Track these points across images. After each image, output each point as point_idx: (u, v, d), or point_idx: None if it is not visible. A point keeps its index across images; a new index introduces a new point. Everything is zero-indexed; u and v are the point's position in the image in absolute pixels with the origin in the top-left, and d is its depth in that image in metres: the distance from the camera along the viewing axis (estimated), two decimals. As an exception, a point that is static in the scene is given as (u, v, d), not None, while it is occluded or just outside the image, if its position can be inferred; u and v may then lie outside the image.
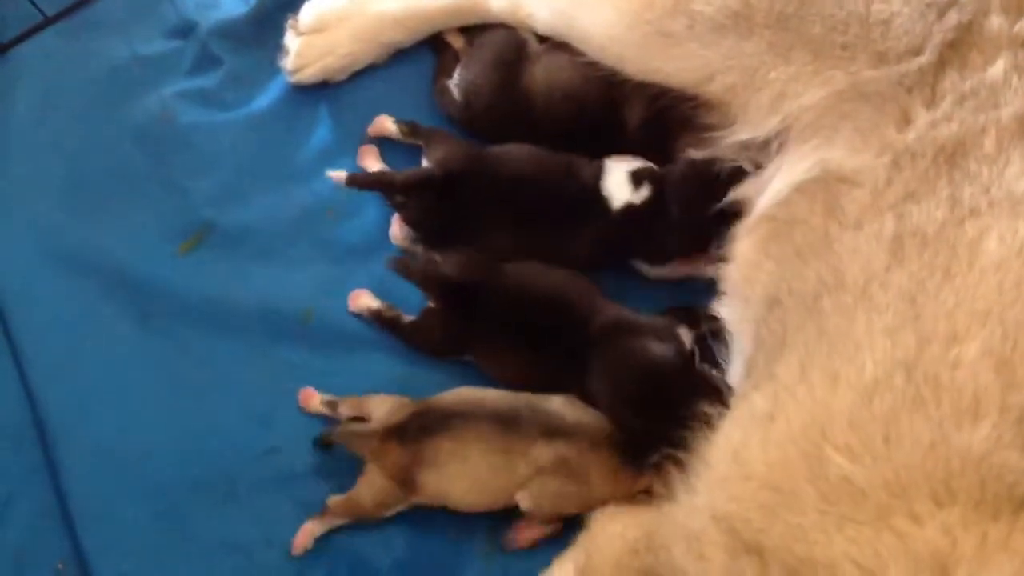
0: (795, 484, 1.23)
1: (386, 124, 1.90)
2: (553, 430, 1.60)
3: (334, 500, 1.66)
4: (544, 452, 1.59)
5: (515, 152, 1.80)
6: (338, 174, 1.79)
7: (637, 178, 1.73)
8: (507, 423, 1.60)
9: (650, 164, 1.75)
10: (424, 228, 1.81)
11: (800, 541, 1.19)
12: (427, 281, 1.74)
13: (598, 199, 1.74)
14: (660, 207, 1.72)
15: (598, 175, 1.75)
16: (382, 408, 1.67)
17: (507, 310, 1.72)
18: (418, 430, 1.62)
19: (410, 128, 1.88)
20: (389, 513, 1.66)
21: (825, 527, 1.18)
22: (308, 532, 1.67)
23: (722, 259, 1.60)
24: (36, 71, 2.05)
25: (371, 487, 1.64)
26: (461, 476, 1.62)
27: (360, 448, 1.65)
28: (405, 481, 1.63)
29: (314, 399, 1.73)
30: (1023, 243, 1.25)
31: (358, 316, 1.81)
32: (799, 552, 1.18)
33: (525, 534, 1.65)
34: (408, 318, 1.77)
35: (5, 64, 2.06)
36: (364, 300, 1.80)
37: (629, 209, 1.73)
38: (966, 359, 1.20)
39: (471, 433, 1.60)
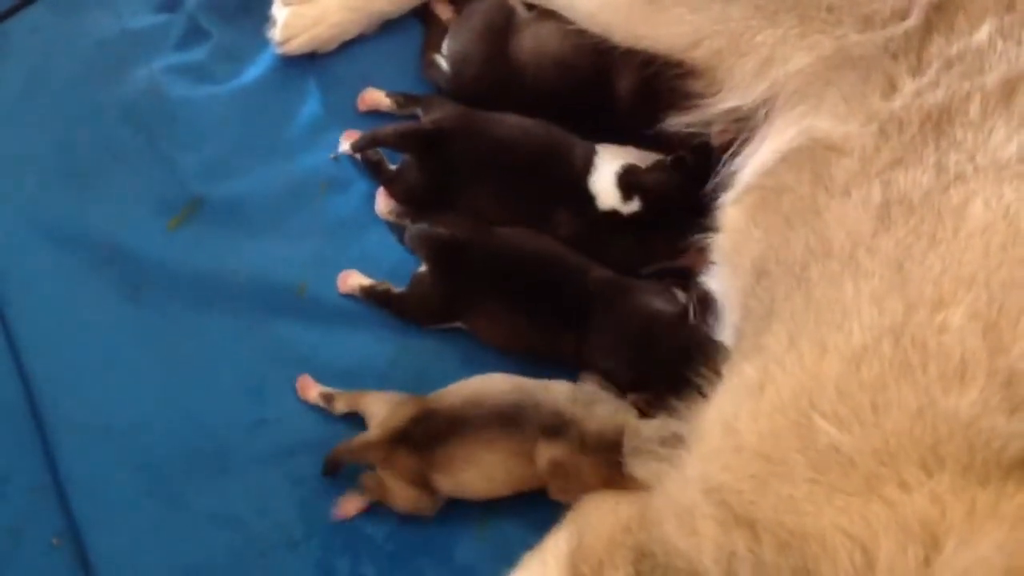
0: (785, 454, 1.23)
1: (377, 97, 1.90)
2: (553, 429, 1.58)
3: (369, 477, 1.66)
4: (544, 452, 1.58)
5: (509, 119, 1.79)
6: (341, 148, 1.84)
7: (628, 186, 1.72)
8: (510, 423, 1.58)
9: (636, 164, 1.74)
10: (411, 195, 1.82)
11: (791, 512, 1.19)
12: (419, 240, 1.75)
13: (581, 191, 1.74)
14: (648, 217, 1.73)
15: (588, 165, 1.75)
16: (380, 410, 1.65)
17: (499, 270, 1.72)
18: (426, 437, 1.60)
19: (404, 99, 1.88)
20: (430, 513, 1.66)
21: (815, 497, 1.18)
22: (351, 506, 1.68)
23: (711, 228, 1.59)
24: (24, 46, 2.04)
25: (397, 494, 1.64)
26: (477, 479, 1.62)
27: (370, 459, 1.65)
28: (420, 484, 1.62)
29: (312, 390, 1.73)
30: (1008, 208, 1.24)
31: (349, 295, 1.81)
32: (790, 524, 1.18)
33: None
34: (398, 289, 1.77)
35: (-6, 39, 2.06)
36: (353, 279, 1.80)
37: (614, 215, 1.73)
38: (953, 324, 1.19)
39: (479, 440, 1.59)
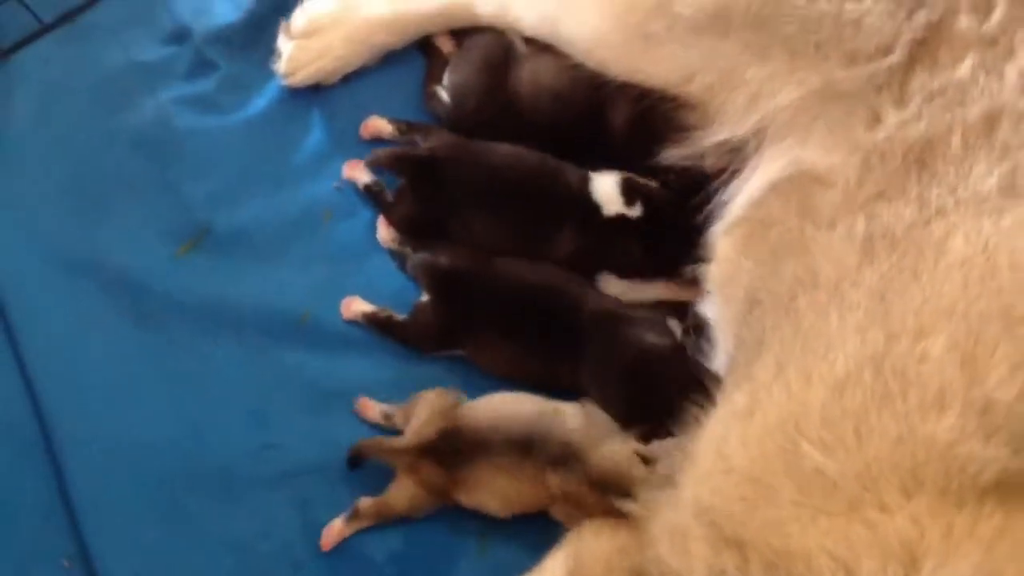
0: (772, 478, 1.27)
1: (380, 124, 1.93)
2: (561, 460, 1.60)
3: (365, 503, 1.68)
4: (552, 481, 1.61)
5: (503, 148, 1.83)
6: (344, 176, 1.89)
7: (630, 192, 1.76)
8: (523, 452, 1.61)
9: (633, 176, 1.78)
10: (406, 222, 1.85)
11: (777, 534, 1.23)
12: (420, 269, 1.78)
13: (584, 204, 1.77)
14: (650, 223, 1.75)
15: (584, 182, 1.78)
16: (422, 413, 1.68)
17: (498, 300, 1.75)
18: (451, 455, 1.63)
19: (405, 126, 1.91)
20: (421, 516, 1.69)
21: (800, 519, 1.22)
22: (338, 532, 1.69)
23: (704, 259, 1.62)
24: (35, 77, 2.07)
25: (405, 495, 1.67)
26: (493, 499, 1.65)
27: (394, 462, 1.67)
28: (439, 494, 1.66)
29: (372, 409, 1.75)
30: (986, 242, 1.27)
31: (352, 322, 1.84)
32: (776, 544, 1.22)
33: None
34: (400, 317, 1.80)
35: (4, 70, 2.08)
36: (356, 306, 1.82)
37: (621, 220, 1.75)
38: (932, 354, 1.23)
39: (496, 465, 1.62)
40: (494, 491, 1.63)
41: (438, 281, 1.77)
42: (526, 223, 1.80)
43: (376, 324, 1.81)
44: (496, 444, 1.62)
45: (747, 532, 1.25)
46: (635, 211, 1.75)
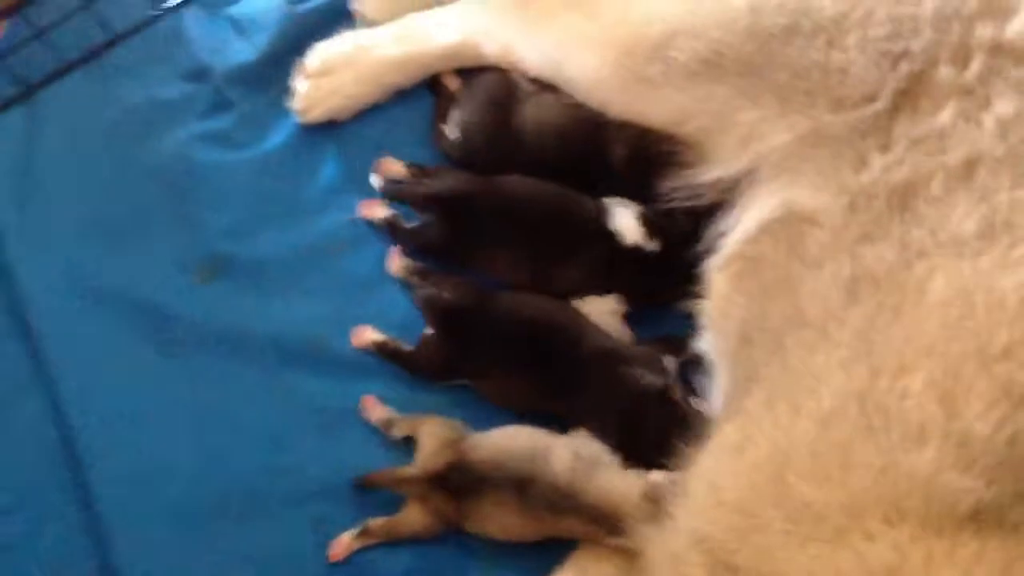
0: (762, 508, 1.32)
1: (392, 166, 1.97)
2: (553, 504, 1.63)
3: (375, 523, 1.73)
4: (549, 521, 1.65)
5: (519, 181, 1.88)
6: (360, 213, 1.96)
7: (649, 225, 1.80)
8: (523, 491, 1.63)
9: (644, 209, 1.83)
10: (430, 250, 1.90)
11: (768, 560, 1.29)
12: (427, 307, 1.83)
13: (599, 231, 1.82)
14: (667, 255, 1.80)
15: (601, 211, 1.83)
16: (427, 445, 1.72)
17: (500, 335, 1.79)
18: (459, 487, 1.67)
19: (418, 170, 1.96)
20: (429, 538, 1.73)
21: (789, 547, 1.28)
22: (346, 546, 1.73)
23: (698, 294, 1.67)
24: (61, 113, 2.13)
25: (415, 519, 1.71)
26: (497, 531, 1.68)
27: (404, 490, 1.72)
28: (447, 522, 1.70)
29: (377, 409, 1.80)
30: (965, 283, 1.34)
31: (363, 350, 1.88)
32: (767, 570, 1.28)
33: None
34: (408, 347, 1.85)
35: (31, 106, 2.14)
36: (367, 335, 1.87)
37: (639, 251, 1.80)
38: (912, 390, 1.29)
39: (498, 502, 1.65)
40: (497, 524, 1.67)
41: (441, 316, 1.82)
42: (542, 251, 1.85)
43: (385, 353, 1.86)
44: (498, 481, 1.65)
45: (740, 559, 1.30)
46: (652, 245, 1.80)
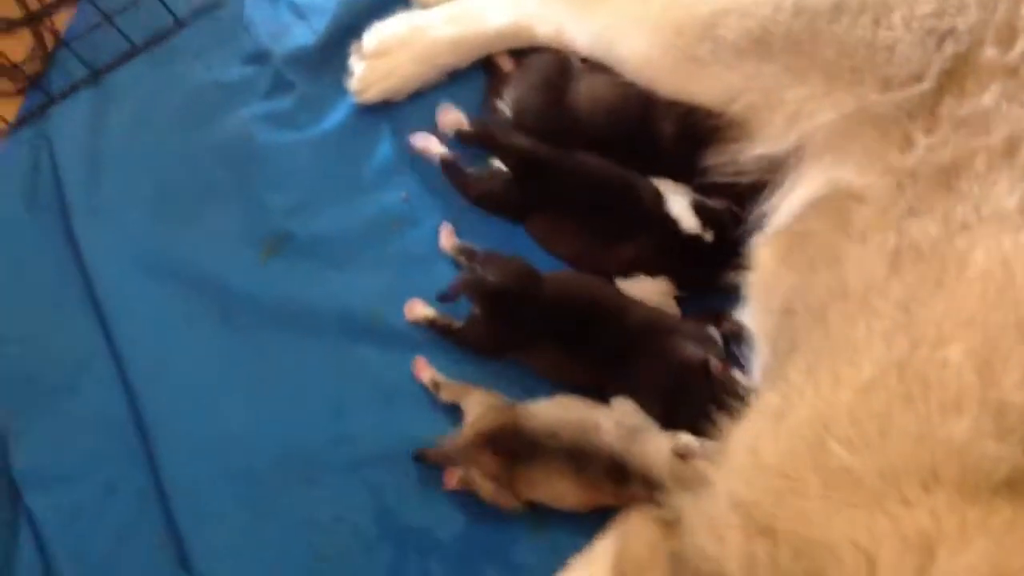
0: (802, 473, 1.35)
1: (456, 117, 2.00)
2: (613, 471, 1.67)
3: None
4: (609, 489, 1.69)
5: (590, 157, 1.91)
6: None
7: (704, 215, 1.84)
8: (579, 462, 1.68)
9: (699, 197, 1.87)
10: (492, 200, 1.94)
11: (805, 524, 1.32)
12: (472, 290, 1.86)
13: (659, 216, 1.85)
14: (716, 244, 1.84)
15: (658, 197, 1.87)
16: (475, 411, 1.77)
17: (544, 314, 1.82)
18: (510, 451, 1.71)
19: (482, 124, 1.98)
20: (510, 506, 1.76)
21: (827, 511, 1.31)
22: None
23: (745, 267, 1.70)
24: (127, 95, 2.21)
25: (483, 487, 1.75)
26: (550, 498, 1.73)
27: (457, 460, 1.76)
28: (503, 484, 1.73)
29: (425, 373, 1.86)
30: (1005, 256, 1.35)
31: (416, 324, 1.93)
32: (804, 533, 1.31)
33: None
34: (458, 323, 1.89)
35: (100, 89, 2.22)
36: (419, 310, 1.91)
37: (694, 239, 1.84)
38: (951, 360, 1.31)
39: (552, 469, 1.69)
40: (550, 491, 1.72)
41: (486, 299, 1.85)
42: (601, 228, 1.89)
43: (435, 328, 1.90)
44: (553, 449, 1.69)
45: (777, 522, 1.34)
46: (708, 235, 1.84)
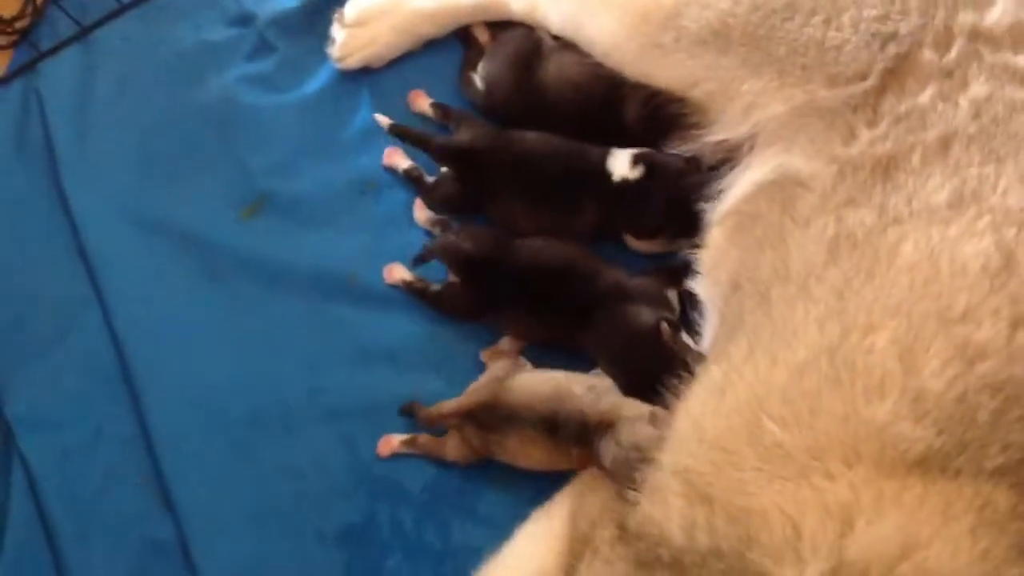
0: (738, 446, 1.44)
1: (422, 103, 2.11)
2: (581, 437, 1.74)
3: (423, 438, 1.89)
4: (575, 454, 1.77)
5: (532, 136, 1.99)
6: (384, 119, 2.06)
7: (636, 159, 1.91)
8: (551, 430, 1.76)
9: (651, 150, 1.92)
10: (449, 203, 2.02)
11: (740, 493, 1.41)
12: (449, 257, 1.94)
13: (603, 177, 1.92)
14: (651, 188, 1.89)
15: (605, 157, 1.93)
16: (481, 379, 1.87)
17: (518, 278, 1.90)
18: (489, 423, 1.80)
19: (443, 111, 2.08)
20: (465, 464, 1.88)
21: (759, 482, 1.40)
22: (393, 445, 1.89)
23: (698, 245, 1.78)
24: (114, 53, 2.26)
25: (452, 448, 1.86)
26: (524, 461, 1.82)
27: (442, 423, 1.87)
28: (479, 453, 1.85)
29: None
30: (932, 249, 1.43)
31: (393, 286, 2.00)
32: (738, 502, 1.40)
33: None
34: (435, 287, 1.97)
35: (87, 46, 2.28)
36: (397, 273, 1.99)
37: (624, 184, 1.90)
38: (877, 347, 1.40)
39: (526, 437, 1.78)
40: (524, 457, 1.82)
41: (462, 265, 1.93)
42: (556, 200, 1.96)
43: (413, 292, 1.98)
44: (528, 420, 1.78)
45: (715, 491, 1.42)
46: (634, 173, 1.90)
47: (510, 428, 1.79)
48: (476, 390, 1.85)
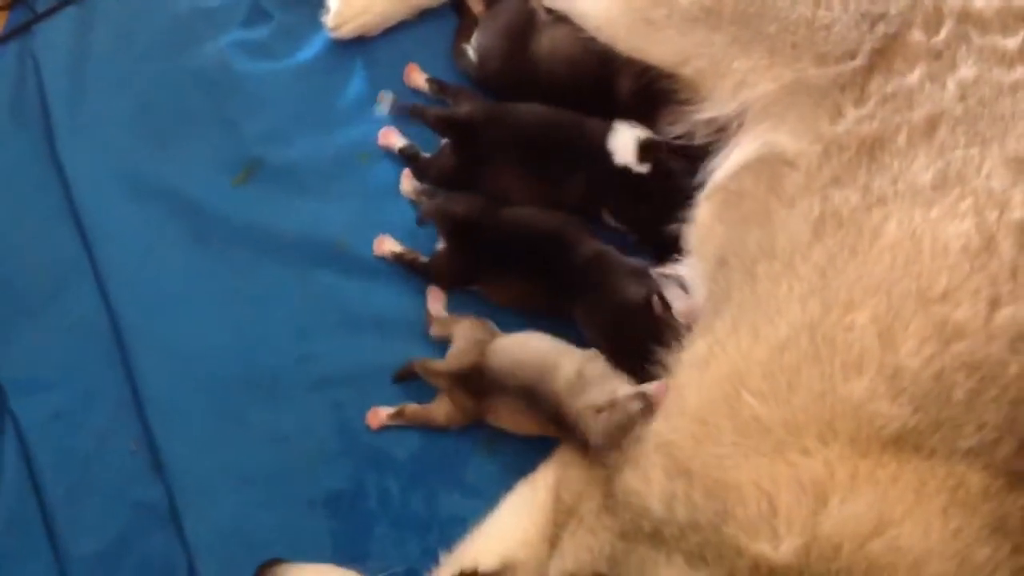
0: (717, 420, 1.47)
1: (417, 78, 2.11)
2: (555, 417, 1.75)
3: (410, 408, 1.90)
4: (551, 430, 1.80)
5: (529, 107, 1.99)
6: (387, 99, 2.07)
7: (645, 150, 1.89)
8: (531, 400, 1.77)
9: (653, 135, 1.90)
10: (445, 175, 2.02)
11: (718, 467, 1.44)
12: (440, 219, 1.95)
13: (600, 151, 1.91)
14: (655, 185, 1.88)
15: (606, 132, 1.92)
16: (459, 344, 1.87)
17: (505, 245, 1.91)
18: (478, 387, 1.82)
19: (438, 86, 2.08)
20: (454, 428, 1.89)
21: (736, 457, 1.43)
22: (381, 418, 1.91)
23: (685, 221, 1.79)
24: (110, 17, 2.26)
25: (443, 410, 1.88)
26: (511, 426, 1.85)
27: (434, 382, 1.88)
28: (471, 415, 1.86)
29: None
30: (915, 229, 1.45)
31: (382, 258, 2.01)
32: (716, 475, 1.43)
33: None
34: (424, 258, 1.98)
35: (83, 9, 2.27)
36: (386, 245, 2.01)
37: (628, 172, 1.89)
38: (857, 325, 1.42)
39: (510, 405, 1.80)
40: (511, 422, 1.84)
41: (452, 228, 1.94)
42: (549, 171, 1.96)
43: (402, 262, 1.99)
44: (512, 387, 1.79)
45: (694, 464, 1.46)
46: (642, 168, 1.89)
47: (498, 393, 1.81)
48: (459, 354, 1.86)
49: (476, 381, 1.83)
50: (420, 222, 1.99)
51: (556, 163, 1.97)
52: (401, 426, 1.93)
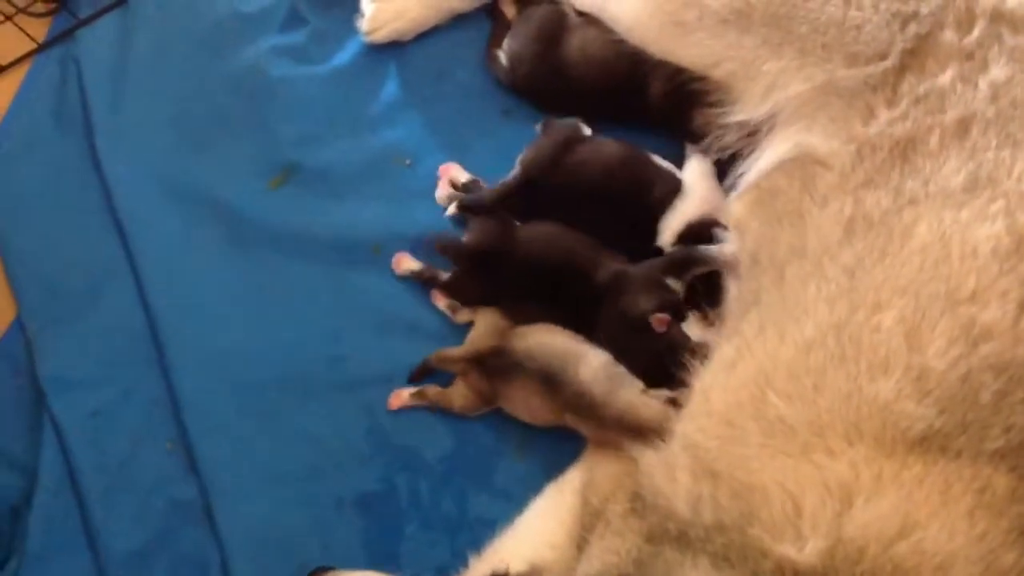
0: (744, 421, 1.46)
1: (457, 173, 2.08)
2: (574, 405, 1.76)
3: (431, 389, 1.91)
4: (568, 420, 1.79)
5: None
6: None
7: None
8: (549, 385, 1.78)
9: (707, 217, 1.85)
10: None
11: (743, 468, 1.43)
12: (447, 250, 1.96)
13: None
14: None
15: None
16: (478, 328, 1.89)
17: (522, 269, 1.91)
18: (495, 370, 1.83)
19: (472, 183, 2.05)
20: (474, 415, 1.90)
21: (762, 458, 1.42)
22: (403, 398, 1.92)
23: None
24: (151, 22, 2.30)
25: (460, 394, 1.89)
26: (525, 413, 1.85)
27: (450, 369, 1.90)
28: (486, 399, 1.87)
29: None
30: (944, 232, 1.44)
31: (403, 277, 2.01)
32: (741, 477, 1.42)
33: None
34: (444, 276, 1.97)
35: (125, 14, 2.32)
36: (405, 263, 2.00)
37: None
38: (884, 325, 1.41)
39: (526, 388, 1.80)
40: (523, 407, 1.84)
41: (462, 259, 1.95)
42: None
43: (422, 281, 1.99)
44: (530, 370, 1.80)
45: (720, 465, 1.45)
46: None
47: (514, 375, 1.82)
48: (478, 337, 1.88)
49: (493, 363, 1.84)
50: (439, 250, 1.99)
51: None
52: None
